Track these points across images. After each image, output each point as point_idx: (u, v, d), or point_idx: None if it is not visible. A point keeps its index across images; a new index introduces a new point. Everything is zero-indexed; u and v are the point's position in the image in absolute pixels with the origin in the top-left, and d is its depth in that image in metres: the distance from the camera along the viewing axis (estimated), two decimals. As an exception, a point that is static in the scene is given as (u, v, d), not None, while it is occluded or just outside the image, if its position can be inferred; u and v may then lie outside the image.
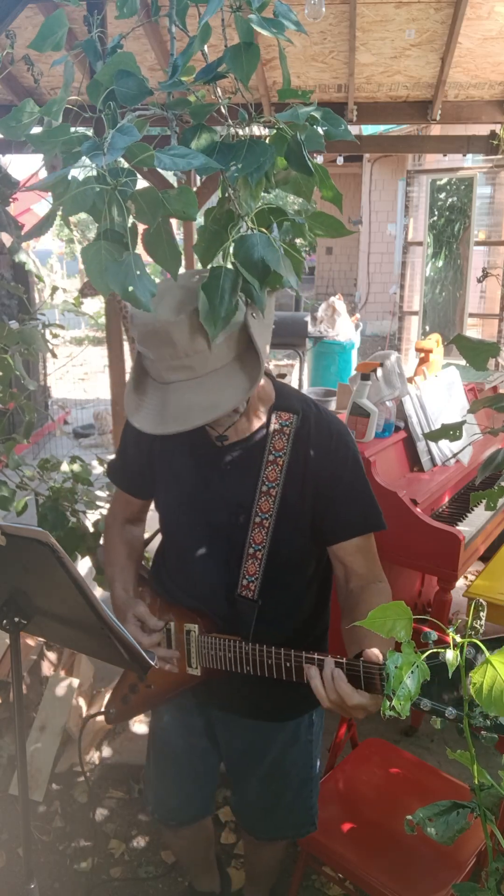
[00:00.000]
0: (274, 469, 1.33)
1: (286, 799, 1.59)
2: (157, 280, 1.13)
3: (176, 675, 1.46)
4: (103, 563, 1.62)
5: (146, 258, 1.06)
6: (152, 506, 1.60)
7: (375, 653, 1.10)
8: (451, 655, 0.80)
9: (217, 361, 1.16)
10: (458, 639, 0.83)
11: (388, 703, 0.79)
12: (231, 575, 1.38)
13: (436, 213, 6.29)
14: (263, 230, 1.03)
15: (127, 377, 2.27)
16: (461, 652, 0.82)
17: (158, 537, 1.59)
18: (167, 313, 1.12)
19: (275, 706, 1.49)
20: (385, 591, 1.36)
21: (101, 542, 1.67)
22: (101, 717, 2.00)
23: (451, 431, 1.31)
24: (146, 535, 1.69)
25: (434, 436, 1.34)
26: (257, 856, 1.85)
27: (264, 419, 1.36)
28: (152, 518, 1.60)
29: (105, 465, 1.69)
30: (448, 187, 6.25)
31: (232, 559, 1.38)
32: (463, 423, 1.32)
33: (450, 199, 6.23)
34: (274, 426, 1.35)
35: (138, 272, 0.92)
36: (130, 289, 0.91)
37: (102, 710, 1.65)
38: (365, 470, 1.41)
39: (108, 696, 1.69)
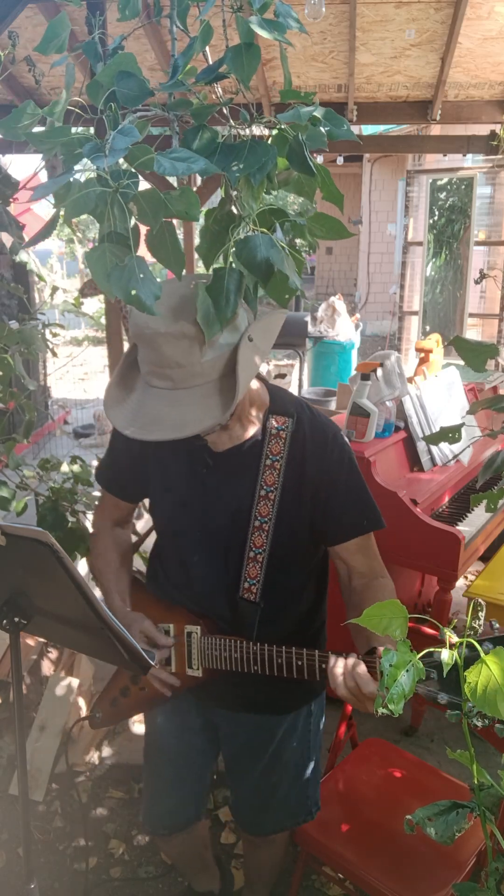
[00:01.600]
0: (272, 473, 1.33)
1: (282, 790, 1.59)
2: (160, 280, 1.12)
3: (174, 676, 1.45)
4: (93, 571, 1.59)
5: (150, 258, 1.06)
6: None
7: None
8: (446, 655, 0.80)
9: (198, 379, 1.15)
10: (455, 638, 0.83)
11: (381, 699, 0.79)
12: (232, 578, 1.38)
13: (436, 213, 6.28)
14: (265, 231, 1.03)
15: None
16: (459, 651, 0.82)
17: (150, 538, 1.57)
18: (158, 323, 1.12)
19: (277, 699, 1.50)
20: (388, 586, 1.37)
21: (90, 549, 1.63)
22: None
23: (449, 434, 1.31)
24: (133, 539, 1.66)
25: (433, 439, 1.35)
26: (256, 856, 1.84)
27: (259, 424, 1.36)
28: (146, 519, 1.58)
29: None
30: (448, 187, 6.24)
31: (232, 563, 1.38)
32: (461, 426, 1.32)
33: (450, 199, 6.23)
34: (270, 430, 1.35)
35: (142, 275, 0.92)
36: (134, 292, 0.91)
37: (87, 713, 1.62)
38: (361, 470, 1.42)
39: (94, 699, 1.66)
